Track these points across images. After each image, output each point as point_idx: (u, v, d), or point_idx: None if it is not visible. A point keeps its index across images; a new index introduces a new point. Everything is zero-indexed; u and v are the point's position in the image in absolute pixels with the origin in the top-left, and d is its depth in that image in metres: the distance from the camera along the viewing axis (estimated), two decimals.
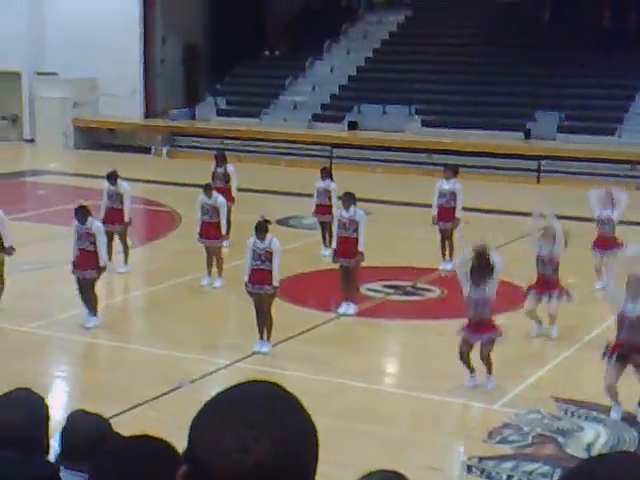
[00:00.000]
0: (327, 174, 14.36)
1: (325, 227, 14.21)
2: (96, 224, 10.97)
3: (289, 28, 28.87)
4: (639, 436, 8.16)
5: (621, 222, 12.71)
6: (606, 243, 12.26)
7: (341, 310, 11.62)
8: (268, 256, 10.13)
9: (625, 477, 1.05)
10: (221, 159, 15.24)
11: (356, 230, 11.53)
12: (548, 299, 10.59)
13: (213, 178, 14.70)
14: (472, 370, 9.13)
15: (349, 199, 11.69)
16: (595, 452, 7.56)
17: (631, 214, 15.18)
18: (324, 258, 13.58)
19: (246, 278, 10.26)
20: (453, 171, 13.91)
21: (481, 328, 8.96)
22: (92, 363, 10.76)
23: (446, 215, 13.62)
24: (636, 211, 16.19)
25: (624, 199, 12.53)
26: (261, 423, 1.25)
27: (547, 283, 10.55)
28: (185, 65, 28.85)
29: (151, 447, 2.06)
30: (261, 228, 10.18)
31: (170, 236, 16.24)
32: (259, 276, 10.17)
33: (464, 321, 9.09)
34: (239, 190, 15.16)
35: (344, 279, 11.67)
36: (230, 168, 15.13)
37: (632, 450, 7.86)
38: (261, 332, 10.26)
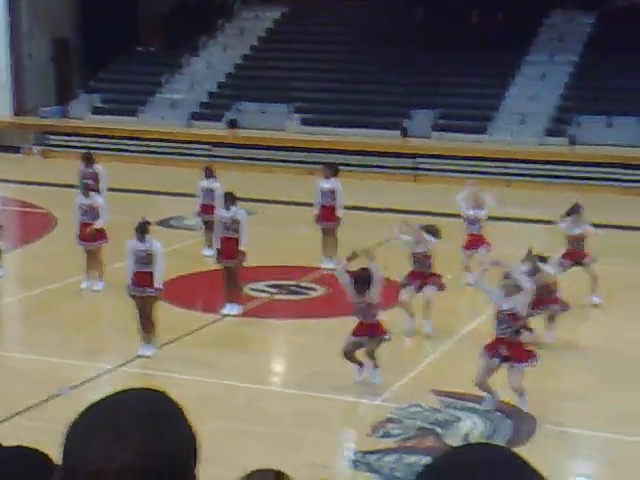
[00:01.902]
0: (211, 173, 14.33)
1: (209, 227, 14.16)
2: None
3: (163, 23, 28.53)
4: (514, 425, 8.52)
5: (490, 218, 13.19)
6: (474, 242, 12.70)
7: (225, 311, 11.63)
8: (149, 258, 10.05)
9: (482, 465, 1.12)
10: (88, 160, 15.06)
11: (237, 230, 11.55)
12: (422, 290, 10.91)
13: (82, 178, 14.44)
14: (360, 364, 9.36)
15: (230, 199, 11.71)
16: (472, 442, 7.85)
17: (500, 211, 15.79)
18: (206, 259, 13.53)
19: (128, 281, 10.15)
20: (332, 170, 14.11)
21: (368, 329, 9.21)
22: None
23: (327, 214, 13.81)
24: (505, 208, 16.85)
25: (491, 199, 13.03)
26: (129, 431, 1.24)
27: (422, 276, 10.90)
28: (56, 60, 28.06)
29: (24, 458, 2.03)
30: (141, 229, 10.09)
31: (46, 238, 15.83)
32: (141, 278, 10.08)
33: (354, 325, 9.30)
34: (115, 190, 14.93)
35: (227, 279, 11.68)
36: (98, 168, 14.93)
37: (505, 439, 8.21)
38: (144, 335, 10.17)
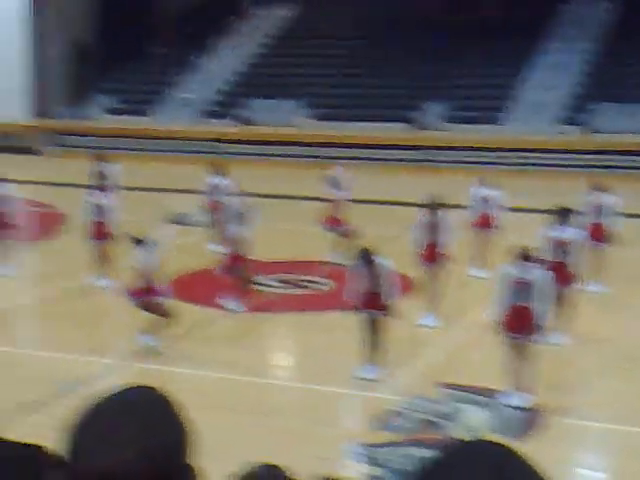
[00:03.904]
0: (219, 170, 14.43)
1: (217, 223, 14.15)
2: None
3: (176, 24, 28.62)
4: (520, 418, 8.41)
5: (506, 208, 13.06)
6: (483, 222, 12.80)
7: (232, 306, 11.58)
8: None
9: (477, 464, 1.11)
10: (101, 159, 15.27)
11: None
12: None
13: (95, 177, 14.60)
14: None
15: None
16: (478, 435, 7.77)
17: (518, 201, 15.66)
18: (213, 254, 13.53)
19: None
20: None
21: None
22: None
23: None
24: (521, 198, 16.70)
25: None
26: (132, 431, 1.27)
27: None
28: (72, 62, 28.25)
29: (22, 455, 2.00)
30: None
31: (60, 237, 15.96)
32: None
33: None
34: (129, 189, 15.00)
35: (235, 274, 11.65)
36: (112, 167, 15.09)
37: (512, 432, 8.12)
38: (146, 330, 10.19)
